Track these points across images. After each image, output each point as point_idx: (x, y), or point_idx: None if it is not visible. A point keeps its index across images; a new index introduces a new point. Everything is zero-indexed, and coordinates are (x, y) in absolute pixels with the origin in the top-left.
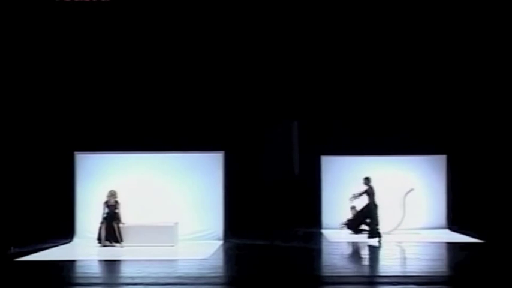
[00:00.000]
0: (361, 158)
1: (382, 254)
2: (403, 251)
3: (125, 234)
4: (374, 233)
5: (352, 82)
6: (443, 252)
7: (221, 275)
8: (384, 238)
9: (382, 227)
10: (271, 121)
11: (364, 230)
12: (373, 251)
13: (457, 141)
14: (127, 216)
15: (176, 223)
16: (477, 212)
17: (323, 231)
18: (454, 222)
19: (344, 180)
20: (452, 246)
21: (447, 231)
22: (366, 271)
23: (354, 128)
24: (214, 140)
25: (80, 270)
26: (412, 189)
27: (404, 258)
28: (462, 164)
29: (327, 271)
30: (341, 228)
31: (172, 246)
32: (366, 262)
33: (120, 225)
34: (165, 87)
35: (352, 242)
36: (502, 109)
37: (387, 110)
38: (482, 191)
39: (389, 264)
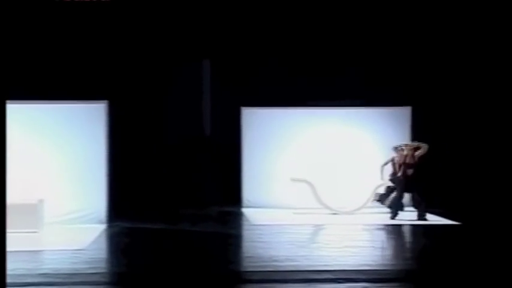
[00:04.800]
0: (296, 110)
1: (325, 242)
2: (352, 237)
3: None
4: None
5: (285, 5)
6: (407, 237)
7: (103, 271)
8: (339, 220)
9: (339, 206)
10: (173, 60)
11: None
12: (312, 238)
13: (424, 89)
14: None
15: (41, 200)
16: (450, 183)
17: (244, 210)
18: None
19: (273, 141)
20: (418, 230)
21: (413, 208)
22: (302, 264)
23: (286, 69)
24: (94, 85)
25: None
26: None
27: (354, 247)
28: (431, 118)
29: (249, 265)
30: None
31: (36, 232)
32: (303, 252)
33: None
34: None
35: (284, 225)
36: (480, 52)
37: (332, 45)
38: (455, 152)
39: (333, 255)
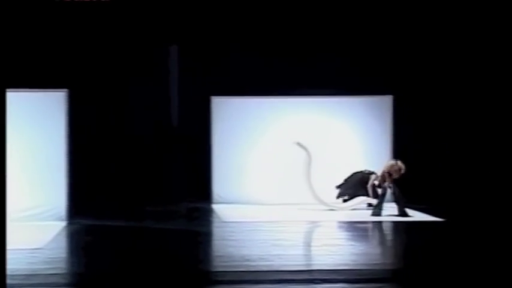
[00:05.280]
0: (270, 99)
1: (302, 240)
2: (332, 235)
3: None
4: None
5: None
6: (388, 235)
7: (63, 271)
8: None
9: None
10: (138, 46)
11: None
12: (288, 235)
13: (407, 77)
14: None
15: None
16: (433, 178)
17: (214, 206)
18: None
19: (245, 133)
20: (400, 227)
21: (394, 204)
22: (276, 264)
23: (259, 55)
24: (53, 72)
25: None
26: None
27: (333, 246)
28: (413, 107)
29: (219, 265)
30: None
31: None
32: (278, 251)
33: None
34: None
35: (257, 222)
36: (464, 40)
37: (309, 30)
38: (439, 145)
39: (310, 254)
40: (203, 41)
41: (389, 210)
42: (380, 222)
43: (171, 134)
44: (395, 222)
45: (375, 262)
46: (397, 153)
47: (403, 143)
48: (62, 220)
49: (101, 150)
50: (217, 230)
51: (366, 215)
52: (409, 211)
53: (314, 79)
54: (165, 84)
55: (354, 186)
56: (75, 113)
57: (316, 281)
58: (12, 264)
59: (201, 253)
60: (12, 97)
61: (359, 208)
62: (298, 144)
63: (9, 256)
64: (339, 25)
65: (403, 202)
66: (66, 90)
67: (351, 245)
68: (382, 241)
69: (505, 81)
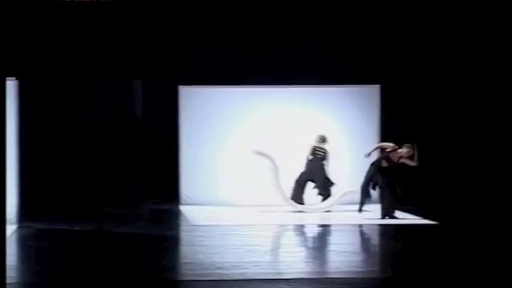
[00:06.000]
0: (243, 89)
1: (278, 246)
2: (310, 239)
3: None
4: None
5: None
6: (376, 240)
7: (12, 281)
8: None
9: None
10: (95, 30)
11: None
12: (263, 240)
13: (395, 66)
14: None
15: None
16: (423, 177)
17: (182, 208)
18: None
19: (216, 126)
20: (388, 230)
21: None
22: (251, 272)
23: (231, 40)
24: None
25: None
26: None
27: (311, 252)
28: (401, 98)
29: (188, 273)
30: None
31: None
32: (252, 258)
33: None
34: None
35: (229, 226)
36: (455, 28)
37: (285, 11)
38: (429, 135)
39: (287, 260)
40: (169, 25)
41: (375, 212)
42: (363, 226)
43: (134, 127)
44: (383, 226)
45: (359, 270)
46: None
47: (390, 134)
48: (12, 223)
49: (56, 146)
50: (185, 235)
51: (344, 217)
52: (397, 213)
53: (295, 67)
54: (126, 70)
55: (324, 186)
56: (26, 105)
57: None
58: None
59: (168, 260)
60: None
61: (333, 210)
62: (258, 153)
63: None
64: (322, 9)
65: (393, 202)
66: (14, 79)
67: (332, 250)
68: (367, 246)
69: (495, 74)
